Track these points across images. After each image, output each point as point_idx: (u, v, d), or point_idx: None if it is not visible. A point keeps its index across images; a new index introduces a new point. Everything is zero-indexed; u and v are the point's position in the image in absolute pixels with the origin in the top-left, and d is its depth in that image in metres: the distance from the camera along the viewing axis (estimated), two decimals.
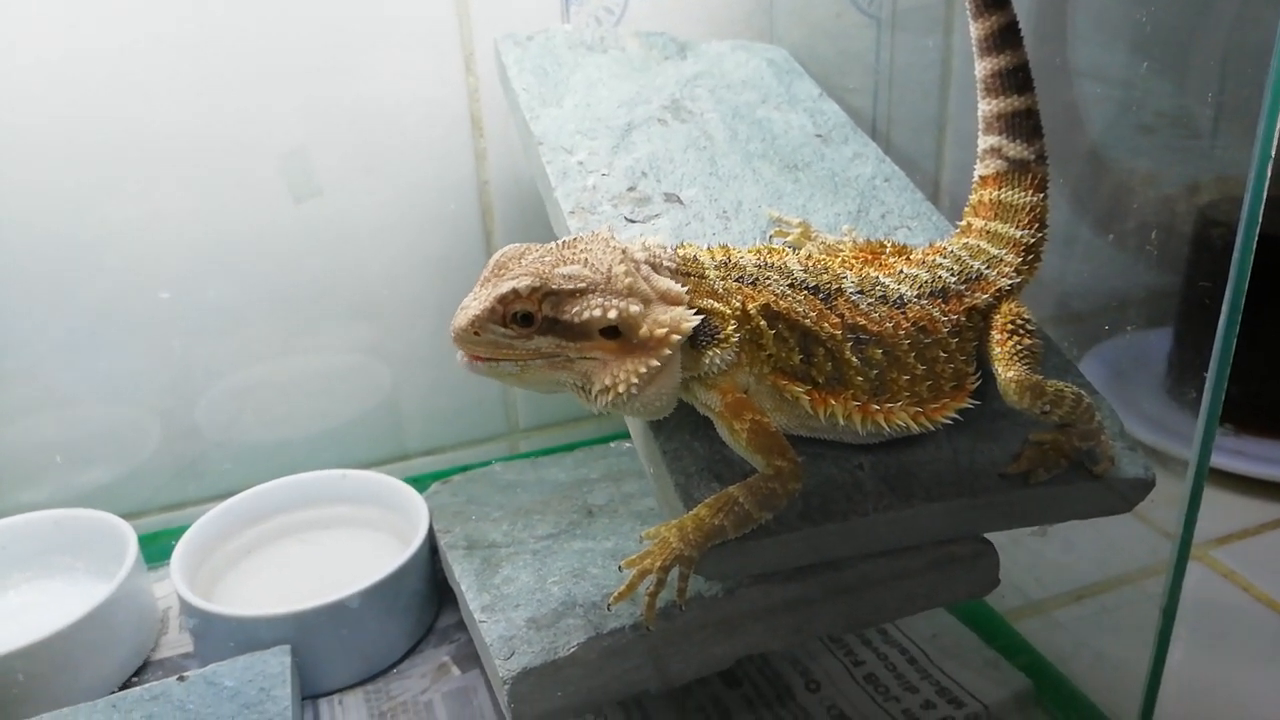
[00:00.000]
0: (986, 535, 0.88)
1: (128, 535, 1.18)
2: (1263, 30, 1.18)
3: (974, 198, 0.96)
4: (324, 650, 1.09)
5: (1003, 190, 0.94)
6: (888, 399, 0.79)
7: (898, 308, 0.81)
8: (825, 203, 1.07)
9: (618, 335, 0.73)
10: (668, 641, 0.83)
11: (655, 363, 0.73)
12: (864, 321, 0.79)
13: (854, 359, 0.78)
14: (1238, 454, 1.49)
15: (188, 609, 1.10)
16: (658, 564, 0.75)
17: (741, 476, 0.78)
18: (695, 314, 0.75)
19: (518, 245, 0.78)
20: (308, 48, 1.26)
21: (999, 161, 0.94)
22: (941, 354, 0.81)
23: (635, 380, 0.73)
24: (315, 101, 1.29)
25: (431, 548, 1.20)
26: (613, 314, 0.72)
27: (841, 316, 0.79)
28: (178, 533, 1.21)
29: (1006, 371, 0.81)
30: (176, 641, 1.19)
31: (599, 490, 1.19)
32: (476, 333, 0.73)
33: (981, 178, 0.95)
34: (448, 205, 1.41)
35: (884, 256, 0.90)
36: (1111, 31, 1.30)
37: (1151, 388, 1.56)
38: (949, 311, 0.83)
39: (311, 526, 1.31)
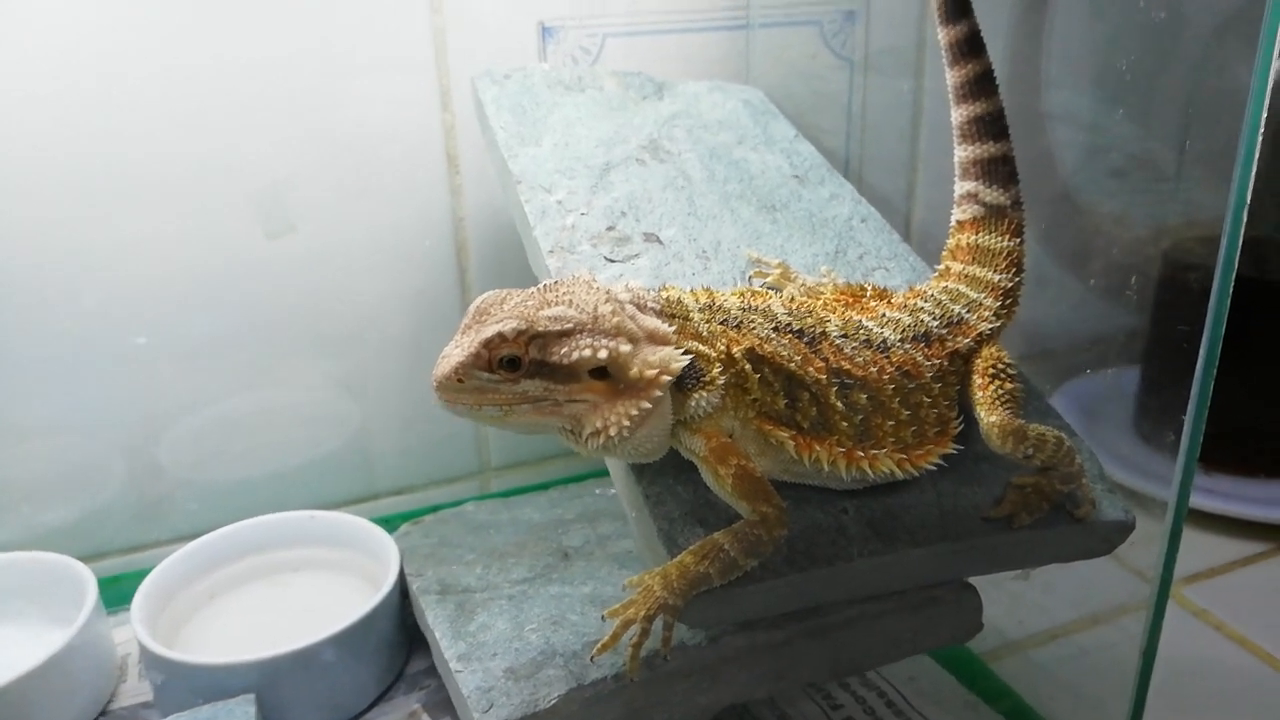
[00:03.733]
0: (968, 579, 0.87)
1: (87, 579, 1.15)
2: (1226, 76, 1.21)
3: (951, 242, 0.96)
4: (290, 699, 1.06)
5: (980, 235, 0.94)
6: (872, 445, 0.79)
7: (881, 352, 0.81)
8: (803, 243, 1.08)
9: (606, 376, 0.72)
10: (650, 692, 0.81)
11: (646, 404, 0.72)
12: (848, 365, 0.79)
13: (839, 404, 0.78)
14: (1208, 492, 1.50)
15: (148, 657, 1.06)
16: (642, 613, 0.73)
17: (726, 522, 0.77)
18: (683, 354, 0.74)
19: (498, 291, 0.77)
20: (284, 82, 1.25)
21: (976, 207, 0.95)
22: (925, 399, 0.81)
23: (627, 423, 0.72)
24: (290, 136, 1.27)
25: (402, 591, 1.17)
26: (603, 354, 0.71)
27: (826, 360, 0.78)
28: (139, 576, 1.17)
29: (989, 416, 0.81)
30: (136, 690, 1.15)
31: (575, 532, 1.18)
32: (460, 380, 0.71)
33: (959, 222, 0.96)
34: (422, 241, 1.40)
35: (865, 299, 0.90)
36: (1081, 77, 1.32)
37: (1120, 426, 1.57)
38: (931, 355, 0.83)
39: (278, 569, 1.28)
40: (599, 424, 0.73)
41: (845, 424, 0.78)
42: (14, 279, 1.21)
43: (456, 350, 0.73)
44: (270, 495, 1.37)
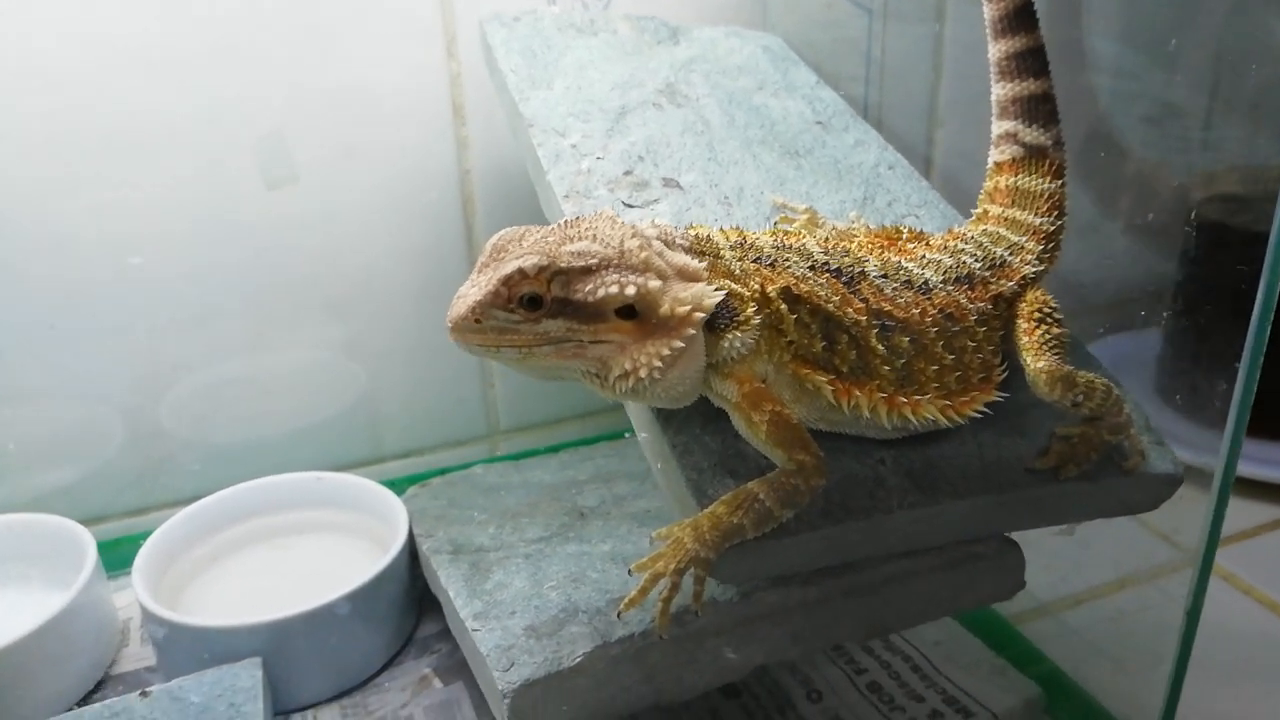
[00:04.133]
0: (1010, 535, 0.83)
1: (86, 541, 1.11)
2: (1256, 24, 1.15)
3: (989, 184, 0.92)
4: (298, 662, 1.03)
5: (1019, 176, 0.90)
6: (915, 391, 0.74)
7: (923, 294, 0.77)
8: (829, 189, 1.03)
9: (634, 315, 0.68)
10: (680, 650, 0.77)
11: (679, 343, 0.68)
12: (889, 307, 0.75)
13: (880, 347, 0.73)
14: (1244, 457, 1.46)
15: (151, 619, 1.03)
16: (672, 566, 0.69)
17: (757, 472, 0.73)
18: (716, 290, 0.69)
19: (516, 228, 0.73)
20: (284, 29, 1.20)
21: (1015, 147, 0.90)
22: (969, 343, 0.77)
23: (658, 363, 0.67)
24: (291, 85, 1.22)
25: (411, 555, 1.13)
26: (630, 290, 0.67)
27: (866, 301, 0.74)
28: (140, 539, 1.14)
29: (1036, 362, 0.77)
30: (138, 654, 1.12)
31: (589, 492, 1.14)
32: (478, 320, 0.67)
33: (997, 164, 0.91)
34: (428, 195, 1.35)
35: (901, 242, 0.85)
36: (1112, 22, 1.27)
37: (1141, 389, 1.53)
38: (975, 298, 0.79)
39: (284, 532, 1.24)
40: (627, 365, 0.68)
41: (886, 368, 0.73)
42: (9, 237, 1.16)
43: (473, 289, 0.68)
44: (274, 458, 1.33)
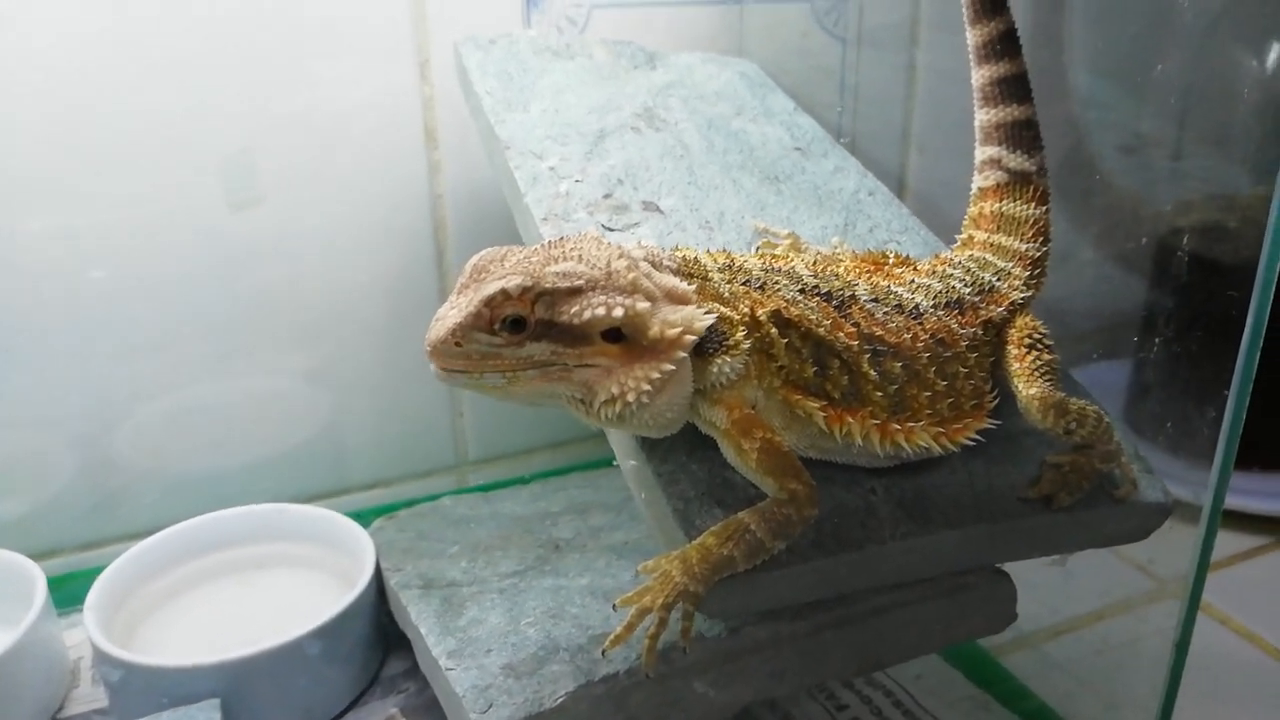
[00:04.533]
0: (1000, 566, 0.81)
1: (35, 576, 1.05)
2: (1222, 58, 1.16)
3: (973, 209, 0.91)
4: (259, 704, 0.98)
5: (1004, 203, 0.89)
6: (907, 417, 0.72)
7: (914, 319, 0.75)
8: (810, 215, 1.02)
9: (620, 339, 0.65)
10: (666, 689, 0.74)
11: (668, 366, 0.65)
12: (881, 332, 0.73)
13: (872, 372, 0.71)
14: (1206, 486, 1.46)
15: (103, 658, 0.98)
16: (659, 601, 0.66)
17: (746, 502, 0.70)
18: (706, 313, 0.67)
19: (497, 248, 0.70)
20: (252, 47, 1.17)
21: (999, 173, 0.89)
22: (961, 369, 0.75)
23: (646, 387, 0.65)
24: (258, 105, 1.19)
25: (378, 589, 1.09)
26: (618, 312, 0.64)
27: (857, 326, 0.72)
28: (93, 574, 1.08)
29: (1028, 389, 0.75)
30: (89, 696, 1.06)
31: (564, 524, 1.10)
32: (458, 344, 0.64)
33: (981, 189, 0.91)
34: (398, 219, 1.32)
35: (888, 267, 0.84)
36: (1088, 55, 1.27)
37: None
38: (966, 324, 0.77)
39: (244, 566, 1.19)
40: (614, 390, 0.65)
41: (879, 394, 0.72)
42: None
43: (453, 311, 0.65)
44: (234, 489, 1.28)
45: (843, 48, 1.47)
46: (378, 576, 1.10)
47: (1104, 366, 1.42)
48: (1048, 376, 0.76)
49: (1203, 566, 0.85)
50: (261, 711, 0.98)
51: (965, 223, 0.90)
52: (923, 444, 0.72)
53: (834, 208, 1.03)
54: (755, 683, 0.77)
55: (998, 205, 0.88)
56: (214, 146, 1.19)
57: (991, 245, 0.87)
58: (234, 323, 1.26)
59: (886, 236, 1.01)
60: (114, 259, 1.18)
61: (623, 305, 0.64)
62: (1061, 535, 0.78)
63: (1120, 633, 1.17)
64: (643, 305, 0.65)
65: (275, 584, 1.18)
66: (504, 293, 0.64)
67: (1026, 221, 0.87)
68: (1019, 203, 0.88)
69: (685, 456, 0.74)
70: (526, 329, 0.64)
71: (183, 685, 0.95)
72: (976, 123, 0.91)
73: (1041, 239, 0.87)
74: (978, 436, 0.75)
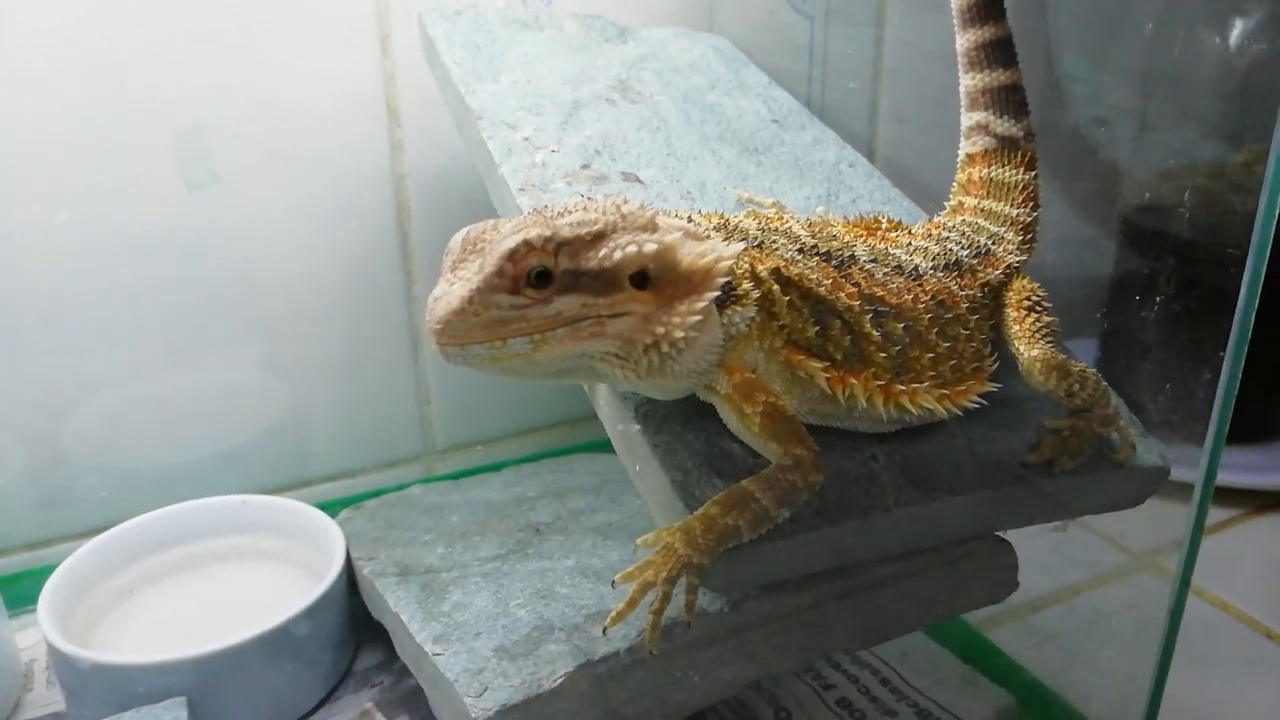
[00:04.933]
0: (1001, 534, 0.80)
1: None
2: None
3: (962, 175, 0.89)
4: (227, 700, 0.93)
5: (992, 168, 0.87)
6: (910, 379, 0.70)
7: (914, 280, 0.73)
8: (793, 185, 0.99)
9: (647, 285, 0.62)
10: (669, 667, 0.71)
11: (709, 294, 0.61)
12: (881, 293, 0.71)
13: (874, 333, 0.69)
14: (1177, 461, 1.47)
15: (60, 658, 0.93)
16: (663, 575, 0.63)
17: (745, 472, 0.68)
18: (729, 245, 0.63)
19: (482, 221, 0.65)
20: (206, 21, 1.12)
21: (987, 138, 0.88)
22: (962, 331, 0.73)
23: (694, 320, 0.61)
24: (213, 81, 1.14)
25: (349, 580, 1.05)
26: (650, 247, 0.60)
27: (858, 286, 0.70)
28: (44, 573, 1.03)
29: (1030, 350, 0.74)
30: (44, 700, 1.01)
31: (542, 508, 1.07)
32: (475, 312, 0.59)
33: (969, 155, 0.89)
34: (360, 200, 1.27)
35: (882, 231, 0.82)
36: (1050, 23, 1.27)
37: None
38: (965, 286, 0.76)
39: (206, 560, 1.14)
40: (659, 331, 0.61)
41: (882, 355, 0.69)
42: None
43: (458, 284, 0.60)
44: (191, 484, 1.22)
45: (810, 25, 1.45)
46: (348, 567, 1.06)
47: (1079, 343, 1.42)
48: (1049, 338, 0.74)
49: (1195, 537, 0.84)
50: (230, 709, 0.94)
51: (954, 189, 0.89)
52: (927, 406, 0.70)
53: (815, 179, 1.01)
54: (759, 658, 0.74)
55: (986, 171, 0.87)
56: (166, 124, 1.13)
57: (982, 210, 0.85)
58: (188, 309, 1.21)
59: (869, 207, 0.99)
60: (59, 243, 1.12)
61: (653, 240, 0.61)
62: (1063, 500, 0.76)
63: (1099, 606, 1.16)
64: (671, 237, 0.61)
65: (239, 578, 1.13)
66: (527, 244, 0.59)
67: (1016, 186, 0.86)
68: (1008, 168, 0.87)
69: (680, 427, 0.71)
70: (553, 283, 0.60)
71: (146, 683, 0.90)
72: (962, 88, 0.90)
73: (1032, 204, 0.86)
74: (980, 399, 0.73)
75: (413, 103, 1.26)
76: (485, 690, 0.69)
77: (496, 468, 1.37)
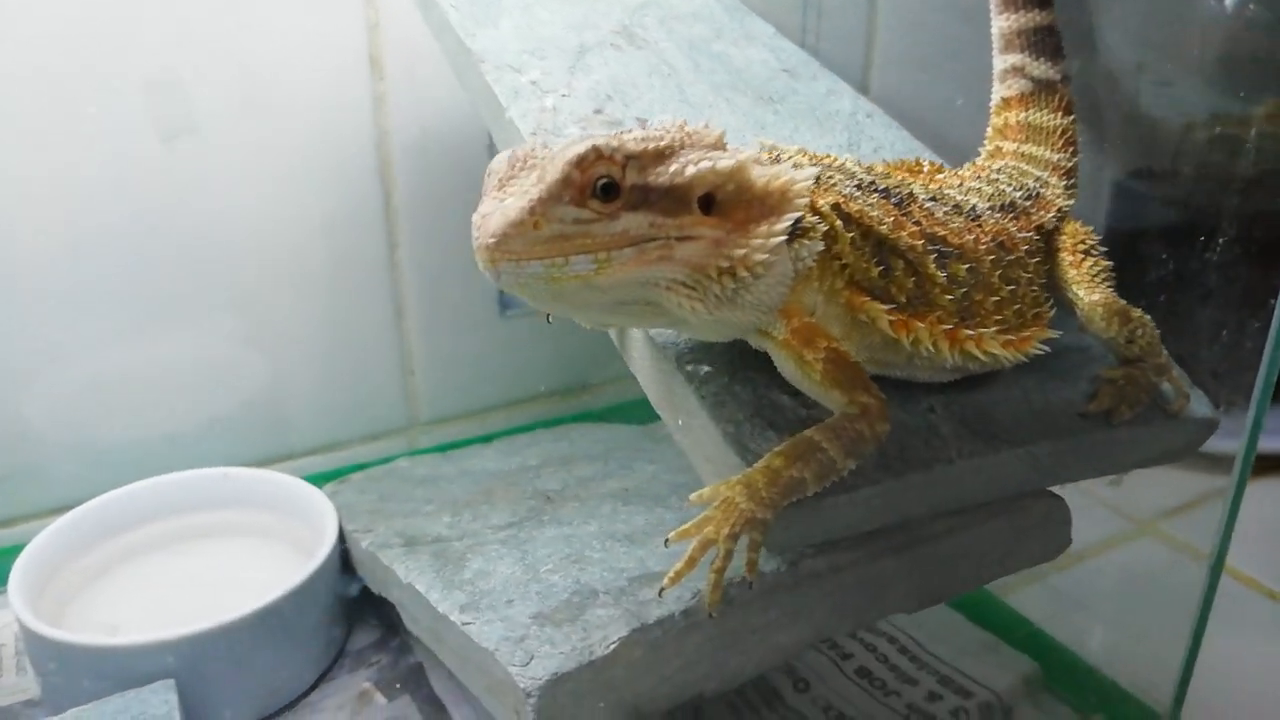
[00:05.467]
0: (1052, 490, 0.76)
1: None
2: None
3: (997, 120, 0.86)
4: (218, 683, 0.88)
5: (1029, 112, 0.84)
6: (975, 324, 0.66)
7: (973, 219, 0.69)
8: (813, 135, 0.95)
9: (711, 209, 0.57)
10: (725, 631, 0.67)
11: (790, 215, 0.57)
12: (944, 232, 0.66)
13: (939, 274, 0.65)
14: None
15: (35, 641, 0.86)
16: (725, 531, 0.59)
17: (797, 422, 0.64)
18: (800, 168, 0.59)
19: (522, 145, 0.60)
20: None
21: (1023, 81, 0.85)
22: (1023, 275, 0.70)
23: (774, 243, 0.56)
24: (184, 24, 1.07)
25: (341, 555, 1.00)
26: (725, 164, 0.55)
27: (919, 225, 0.66)
28: (11, 552, 0.96)
29: (1090, 295, 0.70)
30: (15, 686, 0.95)
31: (547, 476, 1.02)
32: (537, 224, 0.53)
33: (1004, 99, 0.86)
34: (339, 158, 1.21)
35: (924, 174, 0.77)
36: None
37: None
38: (1022, 228, 0.72)
39: (186, 537, 1.08)
40: (737, 253, 0.56)
41: (947, 299, 0.65)
42: None
43: (513, 198, 0.54)
44: (163, 460, 1.15)
45: None
46: (340, 542, 1.00)
47: None
48: (1107, 282, 0.71)
49: (1235, 506, 0.82)
50: (219, 692, 0.89)
51: (989, 134, 0.86)
52: (994, 352, 0.66)
53: (835, 128, 0.97)
54: (816, 619, 0.70)
55: (1024, 115, 0.83)
56: (137, 70, 1.05)
57: (1023, 155, 0.82)
58: (159, 273, 1.14)
59: (892, 157, 0.95)
60: (20, 200, 1.04)
61: (728, 157, 0.56)
62: (1119, 452, 0.73)
63: (1105, 570, 1.14)
64: (743, 156, 0.56)
65: (222, 555, 1.07)
66: (596, 150, 0.54)
67: (1055, 131, 0.83)
68: (1045, 112, 0.83)
69: (727, 378, 0.67)
70: (620, 197, 0.55)
71: (131, 667, 0.85)
72: (995, 30, 0.87)
73: (1071, 149, 0.83)
74: (1043, 347, 0.69)
75: (397, 55, 1.19)
76: (532, 659, 0.64)
77: (485, 439, 1.31)
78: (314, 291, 1.24)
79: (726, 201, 0.57)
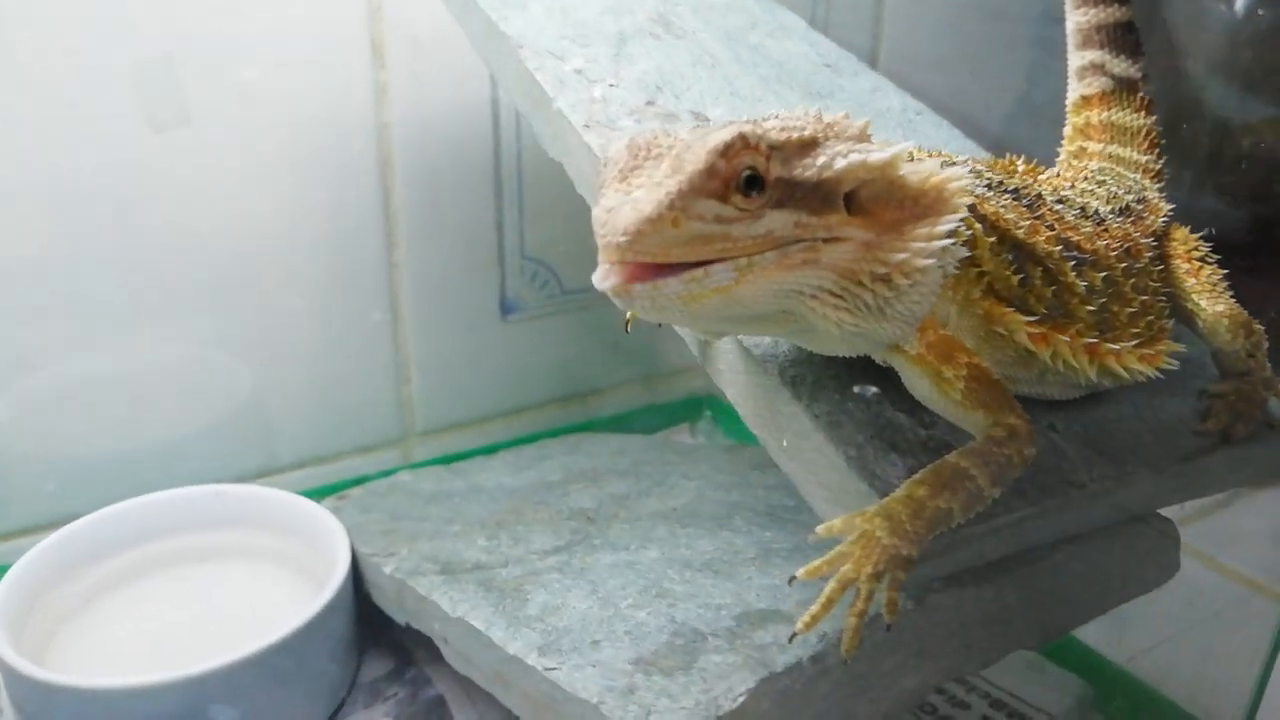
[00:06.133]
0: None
1: None
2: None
3: (1078, 119, 0.82)
4: None
5: (1112, 111, 0.80)
6: (1112, 338, 0.61)
7: (1099, 224, 0.64)
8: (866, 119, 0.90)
9: (853, 206, 0.51)
10: (854, 675, 0.60)
11: (951, 217, 0.51)
12: (1076, 237, 0.62)
13: (1079, 283, 0.60)
14: None
15: (14, 681, 0.79)
16: (866, 570, 0.52)
17: (918, 444, 0.58)
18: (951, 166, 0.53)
19: (643, 133, 0.52)
20: None
21: (1103, 79, 0.81)
22: (1150, 283, 0.65)
23: (936, 246, 0.50)
24: (179, 10, 0.98)
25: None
26: (877, 158, 0.49)
27: (1052, 229, 0.61)
28: None
29: (1214, 305, 0.66)
30: None
31: (577, 493, 0.95)
32: (676, 220, 0.46)
33: (1084, 97, 0.82)
34: (338, 151, 1.13)
35: (1020, 174, 0.73)
36: None
37: None
38: (1144, 233, 0.67)
39: (178, 561, 1.01)
40: (894, 258, 0.50)
41: (1087, 310, 0.60)
42: None
43: (644, 189, 0.47)
44: (145, 474, 1.07)
45: None
46: (353, 566, 0.92)
47: None
48: (1228, 292, 0.67)
49: None
50: None
51: (1069, 132, 0.81)
52: (1134, 368, 0.61)
53: (888, 126, 0.93)
54: (943, 660, 0.64)
55: (1106, 114, 0.80)
56: (127, 55, 0.96)
57: (1110, 156, 0.78)
58: (142, 273, 1.05)
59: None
60: None
61: (880, 151, 0.50)
62: (1235, 471, 0.70)
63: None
64: (893, 150, 0.50)
65: (219, 580, 0.99)
66: (743, 138, 0.47)
67: (1140, 132, 0.79)
68: (1128, 111, 0.79)
69: (838, 395, 0.61)
70: (765, 192, 0.48)
71: (125, 711, 0.77)
72: (1071, 25, 0.83)
73: (1157, 151, 0.79)
74: (1172, 361, 0.65)
75: (400, 42, 1.12)
76: (649, 714, 0.57)
77: (486, 451, 1.24)
78: (306, 292, 1.15)
79: (874, 200, 0.51)
